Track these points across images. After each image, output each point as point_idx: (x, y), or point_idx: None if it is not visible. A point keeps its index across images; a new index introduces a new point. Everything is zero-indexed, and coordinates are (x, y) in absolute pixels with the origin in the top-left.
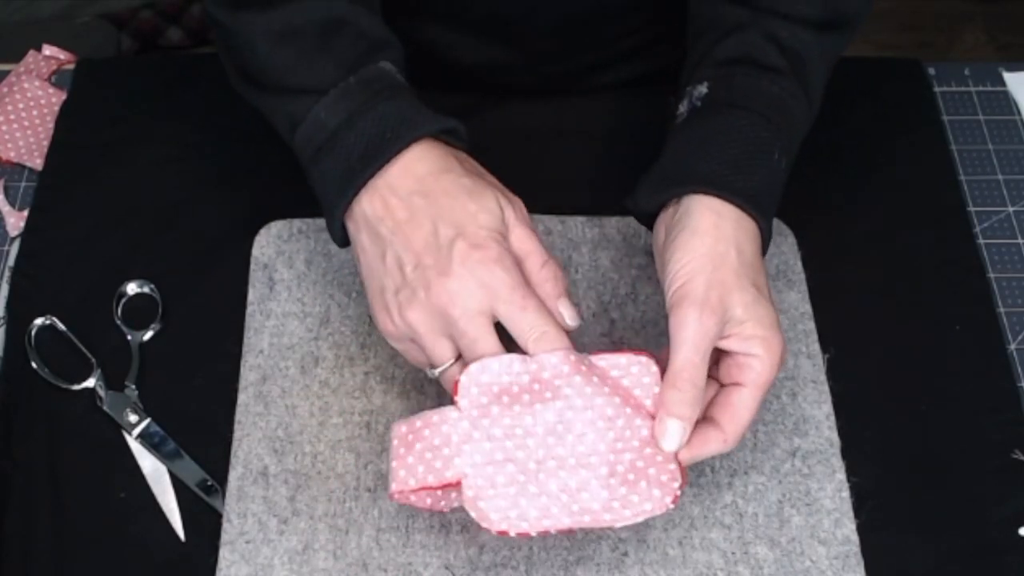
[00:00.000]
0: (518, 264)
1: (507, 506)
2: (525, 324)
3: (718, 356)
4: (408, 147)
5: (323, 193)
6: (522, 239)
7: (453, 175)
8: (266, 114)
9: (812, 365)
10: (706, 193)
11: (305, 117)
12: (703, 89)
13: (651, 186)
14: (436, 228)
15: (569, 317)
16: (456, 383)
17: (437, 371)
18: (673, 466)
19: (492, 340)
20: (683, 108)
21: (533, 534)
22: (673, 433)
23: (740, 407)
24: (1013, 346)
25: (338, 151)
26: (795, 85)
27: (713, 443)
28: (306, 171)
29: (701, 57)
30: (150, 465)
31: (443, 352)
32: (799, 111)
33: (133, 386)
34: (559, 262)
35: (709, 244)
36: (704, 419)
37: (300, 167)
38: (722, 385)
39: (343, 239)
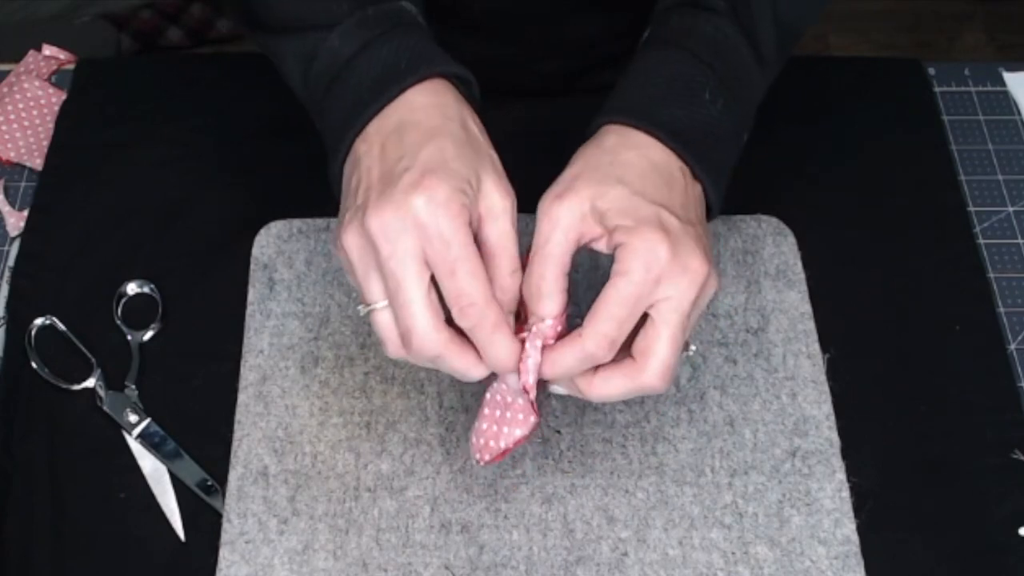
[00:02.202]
0: (488, 260)
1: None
2: (452, 288)
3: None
4: (421, 81)
5: (331, 127)
6: (503, 234)
7: (452, 125)
8: (277, 59)
9: (812, 365)
10: (613, 122)
11: (319, 51)
12: (645, 35)
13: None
14: (401, 158)
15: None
16: None
17: (364, 310)
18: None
19: (417, 294)
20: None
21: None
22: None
23: (599, 300)
24: (1013, 346)
25: (350, 80)
26: (733, 26)
27: (569, 341)
28: (319, 115)
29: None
30: (150, 465)
31: (372, 289)
32: (737, 55)
33: (133, 386)
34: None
35: (590, 152)
36: None
37: (313, 117)
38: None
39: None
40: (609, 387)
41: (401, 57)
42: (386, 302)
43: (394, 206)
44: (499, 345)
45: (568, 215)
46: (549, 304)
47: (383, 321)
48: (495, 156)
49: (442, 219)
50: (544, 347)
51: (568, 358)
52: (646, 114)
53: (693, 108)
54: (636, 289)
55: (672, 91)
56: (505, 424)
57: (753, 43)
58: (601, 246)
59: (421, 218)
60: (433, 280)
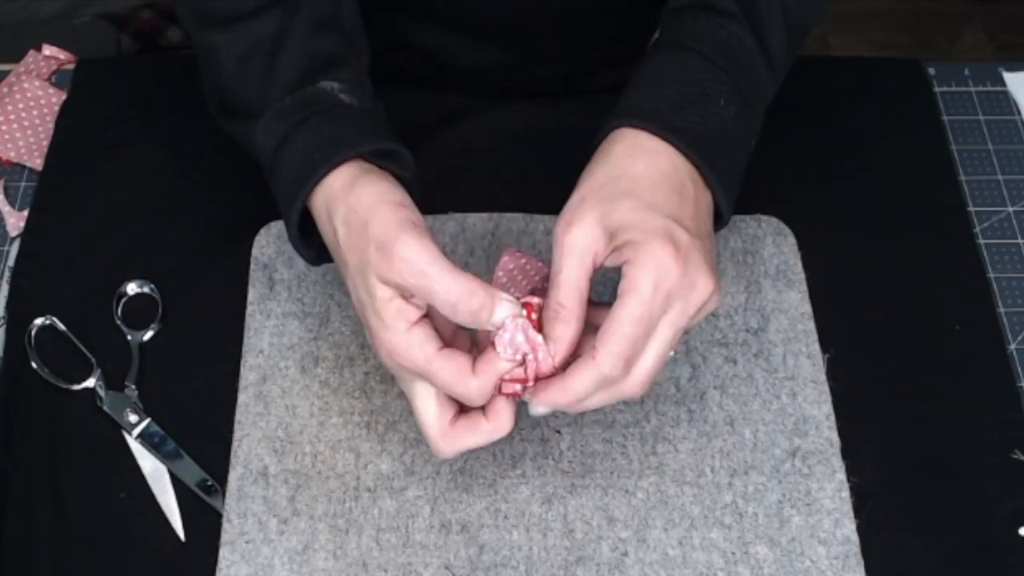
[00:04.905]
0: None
1: None
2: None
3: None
4: (336, 168)
5: (283, 218)
6: (422, 292)
7: (342, 234)
8: (241, 143)
9: (812, 365)
10: (626, 126)
11: (254, 141)
12: (656, 35)
13: (596, 133)
14: (353, 300)
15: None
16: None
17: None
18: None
19: (425, 401)
20: (643, 58)
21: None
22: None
23: (611, 320)
24: (1013, 346)
25: (278, 174)
26: (746, 32)
27: (583, 365)
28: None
29: (664, 9)
30: (150, 465)
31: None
32: (751, 60)
33: (133, 386)
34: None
35: (597, 170)
36: None
37: None
38: None
39: (313, 258)
40: (591, 401)
41: (315, 147)
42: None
43: (377, 353)
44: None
45: (580, 241)
46: (566, 329)
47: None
48: (382, 221)
49: (392, 362)
50: (552, 376)
51: (584, 382)
52: (662, 119)
53: (708, 114)
54: (646, 307)
55: (687, 96)
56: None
57: (764, 48)
58: (609, 262)
59: (389, 362)
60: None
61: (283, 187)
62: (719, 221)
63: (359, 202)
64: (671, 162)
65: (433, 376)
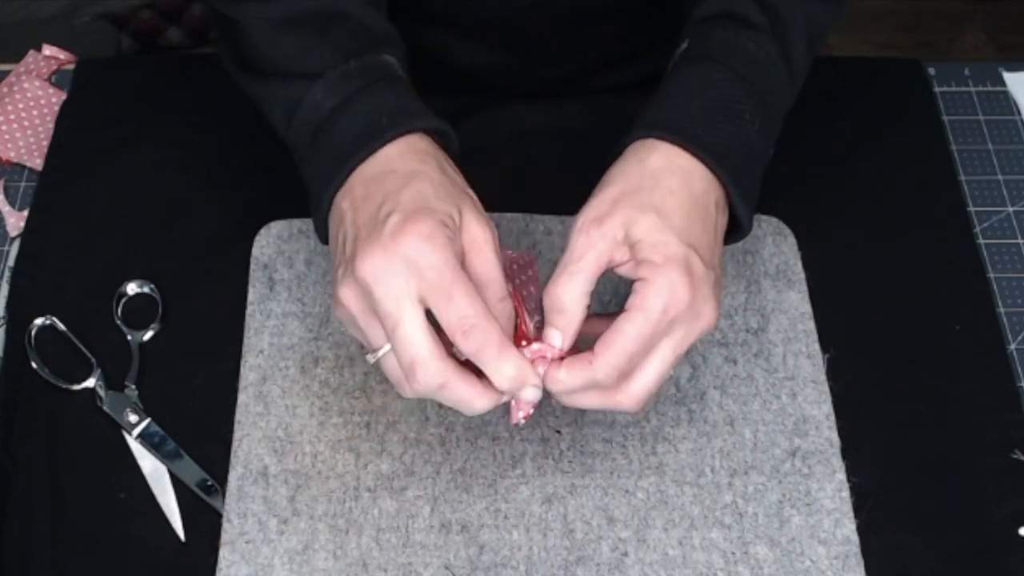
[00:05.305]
0: (476, 291)
1: None
2: (452, 314)
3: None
4: (401, 136)
5: (314, 178)
6: (487, 263)
7: (429, 168)
8: (262, 103)
9: (812, 365)
10: (659, 138)
11: (303, 100)
12: (684, 45)
13: (620, 142)
14: (382, 204)
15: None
16: None
17: (372, 357)
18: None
19: (416, 327)
20: (670, 68)
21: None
22: (553, 337)
23: (614, 331)
24: (1013, 346)
25: (333, 133)
26: (773, 45)
27: (579, 364)
28: (301, 161)
29: (690, 18)
30: (150, 465)
31: (376, 335)
32: (776, 75)
33: (133, 386)
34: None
35: (632, 171)
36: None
37: (295, 161)
38: None
39: (327, 232)
40: (584, 398)
41: (382, 112)
42: (390, 345)
43: (382, 249)
44: (507, 363)
45: (603, 241)
46: (566, 319)
47: (390, 364)
48: (472, 194)
49: (430, 253)
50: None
51: (575, 380)
52: (690, 134)
53: (734, 128)
54: (651, 328)
55: (716, 111)
56: None
57: (788, 61)
58: (624, 271)
59: (411, 256)
60: (430, 317)
61: (336, 146)
62: (739, 232)
63: (452, 166)
64: (701, 183)
65: (453, 287)
